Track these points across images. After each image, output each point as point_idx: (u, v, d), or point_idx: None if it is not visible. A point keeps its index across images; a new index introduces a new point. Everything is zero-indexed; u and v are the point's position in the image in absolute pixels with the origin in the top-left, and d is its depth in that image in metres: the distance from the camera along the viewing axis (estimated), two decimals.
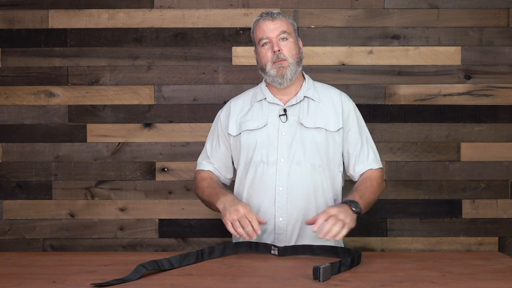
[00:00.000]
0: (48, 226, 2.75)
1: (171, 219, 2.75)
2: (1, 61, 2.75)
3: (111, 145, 2.75)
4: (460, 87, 2.75)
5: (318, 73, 2.74)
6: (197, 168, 2.13)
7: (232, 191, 2.06)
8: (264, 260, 1.73)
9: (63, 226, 2.76)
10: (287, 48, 1.95)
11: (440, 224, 2.76)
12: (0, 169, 2.75)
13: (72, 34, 2.75)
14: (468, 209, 2.75)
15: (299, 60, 1.99)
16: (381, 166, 2.06)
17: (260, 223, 1.78)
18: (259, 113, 2.01)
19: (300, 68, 2.01)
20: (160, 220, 2.76)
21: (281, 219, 1.93)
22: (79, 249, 2.75)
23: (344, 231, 1.73)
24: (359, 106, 2.72)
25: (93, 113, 2.74)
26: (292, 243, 1.93)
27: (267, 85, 2.05)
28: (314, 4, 2.74)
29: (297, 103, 2.00)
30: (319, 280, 1.45)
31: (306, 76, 2.08)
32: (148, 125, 2.75)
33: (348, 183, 2.14)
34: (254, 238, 1.77)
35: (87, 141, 2.75)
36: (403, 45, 2.75)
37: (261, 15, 2.00)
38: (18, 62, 2.74)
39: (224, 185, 2.09)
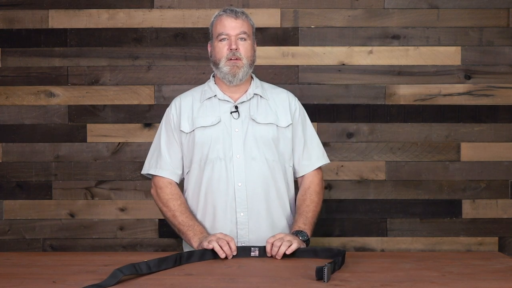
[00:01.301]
0: (48, 226, 2.75)
1: None
2: (1, 61, 2.75)
3: (111, 145, 2.75)
4: (460, 87, 2.75)
5: (318, 73, 2.74)
6: (154, 172, 2.07)
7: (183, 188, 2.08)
8: (264, 260, 1.73)
9: (63, 226, 2.76)
10: (244, 48, 1.97)
11: (440, 224, 2.76)
12: (0, 169, 2.75)
13: (72, 34, 2.75)
14: (468, 209, 2.75)
15: (252, 62, 2.02)
16: (324, 162, 2.10)
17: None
18: (210, 111, 2.02)
19: (251, 70, 2.03)
20: (160, 220, 2.75)
21: (242, 214, 1.95)
22: (79, 249, 2.75)
23: (294, 246, 1.75)
24: (359, 106, 2.74)
25: (93, 113, 2.74)
26: (255, 237, 1.94)
27: (216, 82, 2.06)
28: (314, 4, 2.74)
29: (247, 100, 2.02)
30: (324, 281, 1.44)
31: (253, 75, 2.10)
32: (148, 125, 2.75)
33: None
34: (229, 257, 1.76)
35: (87, 141, 2.75)
36: (403, 45, 2.75)
37: (224, 10, 2.00)
38: (18, 62, 2.74)
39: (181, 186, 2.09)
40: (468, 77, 2.75)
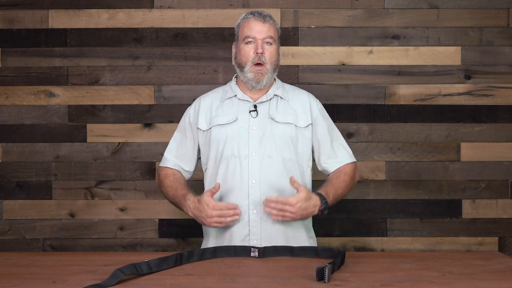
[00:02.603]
0: (48, 226, 2.75)
1: (171, 219, 2.75)
2: (1, 61, 2.75)
3: (111, 145, 2.75)
4: (460, 87, 2.75)
5: (318, 73, 2.74)
6: (161, 164, 2.15)
7: (195, 187, 2.10)
8: (264, 260, 1.73)
9: (63, 226, 2.76)
10: (269, 53, 1.99)
11: (440, 224, 2.76)
12: (0, 169, 2.75)
13: (72, 34, 2.75)
14: (468, 209, 2.75)
15: (276, 66, 2.04)
16: (353, 160, 2.12)
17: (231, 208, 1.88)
18: (229, 109, 2.04)
19: (275, 74, 2.05)
20: (160, 220, 2.76)
21: (255, 211, 1.95)
22: (79, 249, 2.75)
23: (290, 220, 1.88)
24: (359, 106, 2.74)
25: (93, 113, 2.75)
26: (267, 236, 1.94)
27: (238, 83, 2.09)
28: (314, 4, 2.74)
29: (267, 101, 2.04)
30: (325, 281, 1.44)
31: (275, 77, 2.11)
32: (148, 125, 2.75)
33: (314, 182, 2.13)
34: (238, 219, 1.89)
35: (87, 141, 2.75)
36: (403, 45, 2.75)
37: (252, 13, 2.03)
38: (18, 62, 2.74)
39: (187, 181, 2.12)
40: (468, 77, 2.75)
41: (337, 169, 2.07)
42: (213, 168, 2.03)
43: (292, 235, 1.97)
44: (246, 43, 1.99)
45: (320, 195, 1.92)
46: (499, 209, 2.75)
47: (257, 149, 1.97)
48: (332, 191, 1.97)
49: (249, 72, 1.98)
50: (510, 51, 2.75)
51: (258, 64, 1.97)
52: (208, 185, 2.07)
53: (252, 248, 1.79)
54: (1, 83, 2.75)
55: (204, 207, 1.87)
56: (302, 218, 1.89)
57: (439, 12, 2.74)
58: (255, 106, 2.02)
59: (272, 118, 2.00)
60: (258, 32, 1.98)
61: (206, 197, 1.87)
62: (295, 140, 2.01)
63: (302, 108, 2.06)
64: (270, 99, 2.04)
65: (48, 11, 2.74)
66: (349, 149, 2.13)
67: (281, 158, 1.98)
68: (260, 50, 1.96)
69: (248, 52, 1.99)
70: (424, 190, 2.75)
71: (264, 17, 2.00)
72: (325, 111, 2.13)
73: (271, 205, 1.85)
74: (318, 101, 2.12)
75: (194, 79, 2.76)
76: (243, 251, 1.79)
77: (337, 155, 2.08)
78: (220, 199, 2.00)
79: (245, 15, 2.05)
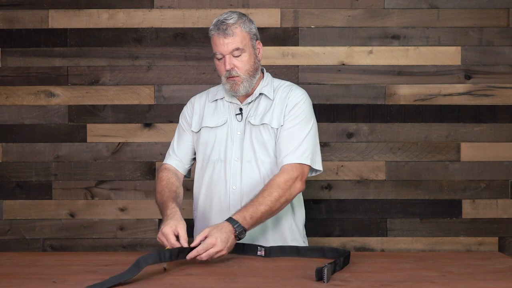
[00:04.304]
0: (48, 226, 2.75)
1: None
2: (1, 61, 2.75)
3: (111, 145, 2.75)
4: (460, 87, 2.75)
5: (318, 73, 2.74)
6: (164, 161, 2.11)
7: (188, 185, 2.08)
8: (264, 260, 1.73)
9: (63, 226, 2.76)
10: (241, 63, 1.92)
11: (440, 224, 2.76)
12: (0, 169, 2.75)
13: (72, 34, 2.75)
14: (468, 209, 2.75)
15: (255, 71, 1.95)
16: (306, 162, 1.89)
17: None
18: (218, 112, 2.03)
19: (256, 78, 1.97)
20: (160, 220, 2.75)
21: None
22: (79, 249, 2.75)
23: (225, 253, 1.68)
24: (359, 106, 2.74)
25: (93, 113, 2.75)
26: (249, 240, 1.88)
27: None
28: (314, 4, 2.74)
29: (252, 101, 2.00)
30: (324, 281, 1.44)
31: (265, 73, 2.06)
32: (148, 125, 2.75)
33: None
34: (169, 246, 1.68)
35: (87, 141, 2.75)
36: (403, 45, 2.75)
37: (216, 26, 1.92)
38: (18, 62, 2.74)
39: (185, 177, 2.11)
40: (468, 77, 2.75)
41: (271, 178, 1.89)
42: (200, 170, 2.02)
43: (287, 236, 1.97)
44: (217, 58, 1.94)
45: (230, 219, 1.74)
46: (499, 209, 2.75)
47: (238, 154, 1.96)
48: (250, 210, 1.78)
49: (225, 84, 1.95)
50: (510, 51, 2.75)
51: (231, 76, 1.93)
52: (195, 186, 2.06)
53: (258, 247, 1.79)
54: (1, 83, 2.75)
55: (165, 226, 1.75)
56: (230, 245, 1.70)
57: (439, 12, 2.74)
58: (240, 109, 2.00)
59: (249, 121, 1.96)
60: (222, 48, 1.90)
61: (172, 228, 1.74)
62: (272, 142, 1.95)
63: (281, 107, 1.96)
64: (256, 98, 2.00)
65: (48, 11, 2.74)
66: (310, 149, 1.91)
67: (260, 162, 1.94)
68: (228, 67, 1.90)
69: (220, 67, 1.95)
70: (424, 190, 2.75)
71: (225, 32, 1.89)
72: (307, 105, 1.97)
73: (198, 260, 1.66)
74: (301, 94, 1.97)
75: (194, 79, 2.76)
76: (249, 249, 1.80)
77: (289, 149, 1.90)
78: (205, 202, 2.00)
79: (211, 28, 1.94)
